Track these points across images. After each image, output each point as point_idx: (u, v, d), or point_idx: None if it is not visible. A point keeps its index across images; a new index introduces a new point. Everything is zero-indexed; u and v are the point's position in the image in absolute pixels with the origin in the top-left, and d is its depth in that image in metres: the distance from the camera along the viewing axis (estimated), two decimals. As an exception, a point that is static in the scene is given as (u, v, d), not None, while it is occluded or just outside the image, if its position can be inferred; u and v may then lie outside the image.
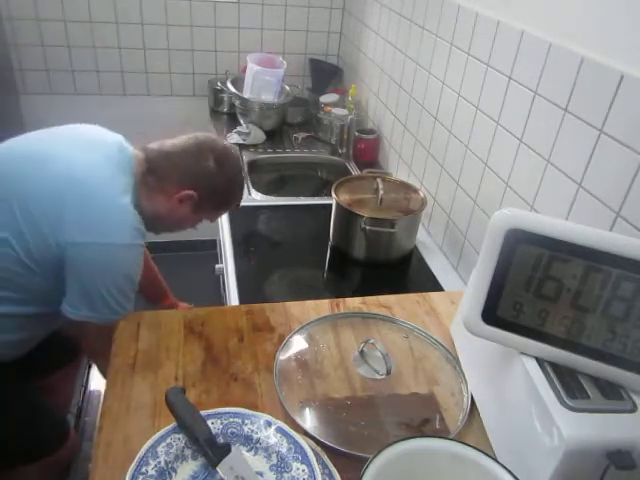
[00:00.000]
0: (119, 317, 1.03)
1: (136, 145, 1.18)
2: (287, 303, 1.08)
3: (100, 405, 0.84)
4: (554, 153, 1.02)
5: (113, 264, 1.03)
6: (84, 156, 1.07)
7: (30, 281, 1.04)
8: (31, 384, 1.29)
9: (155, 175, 1.12)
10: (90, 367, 1.95)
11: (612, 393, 0.68)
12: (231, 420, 0.75)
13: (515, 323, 0.73)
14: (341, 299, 1.10)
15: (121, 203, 1.04)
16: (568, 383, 0.69)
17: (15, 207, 1.00)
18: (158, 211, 1.13)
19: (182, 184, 1.12)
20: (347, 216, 1.39)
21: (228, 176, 1.17)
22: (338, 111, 2.09)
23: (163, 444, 0.71)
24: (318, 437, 0.77)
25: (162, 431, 0.72)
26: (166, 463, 0.69)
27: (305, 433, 0.78)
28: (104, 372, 0.95)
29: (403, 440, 0.66)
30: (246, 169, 1.91)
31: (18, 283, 1.04)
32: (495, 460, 0.65)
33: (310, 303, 1.08)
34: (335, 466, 0.73)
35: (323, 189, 1.99)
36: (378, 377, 0.90)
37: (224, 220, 1.54)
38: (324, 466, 0.72)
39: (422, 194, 1.46)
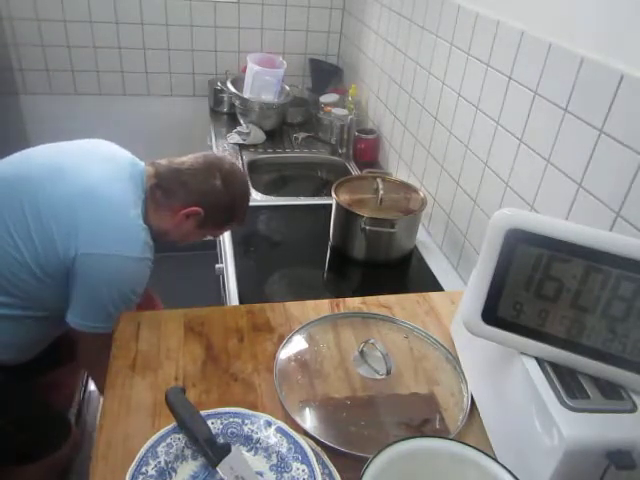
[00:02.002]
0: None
1: (146, 161, 1.21)
2: (287, 303, 1.08)
3: (100, 405, 0.84)
4: (554, 153, 1.02)
5: (122, 276, 1.05)
6: (99, 169, 1.10)
7: (36, 289, 1.05)
8: (33, 382, 1.29)
9: (163, 190, 1.14)
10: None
11: (612, 393, 0.68)
12: (231, 420, 0.75)
13: (515, 323, 0.73)
14: (341, 299, 1.10)
15: (134, 217, 1.07)
16: (568, 383, 0.69)
17: (28, 214, 1.02)
18: (164, 225, 1.16)
19: (189, 200, 1.14)
20: (347, 216, 1.39)
21: (233, 195, 1.19)
22: (338, 111, 2.09)
23: (163, 444, 0.71)
24: (318, 437, 0.77)
25: (162, 431, 0.72)
26: (166, 463, 0.69)
27: (305, 433, 0.78)
28: (101, 386, 0.95)
29: (403, 440, 0.66)
30: (246, 169, 1.91)
31: (25, 290, 1.05)
32: (495, 460, 0.65)
33: (310, 303, 1.08)
34: (335, 466, 0.73)
35: (323, 189, 1.99)
36: (378, 377, 0.90)
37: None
38: (324, 466, 0.72)
39: (422, 194, 1.46)
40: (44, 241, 1.01)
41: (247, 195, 1.25)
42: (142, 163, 1.20)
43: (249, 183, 1.27)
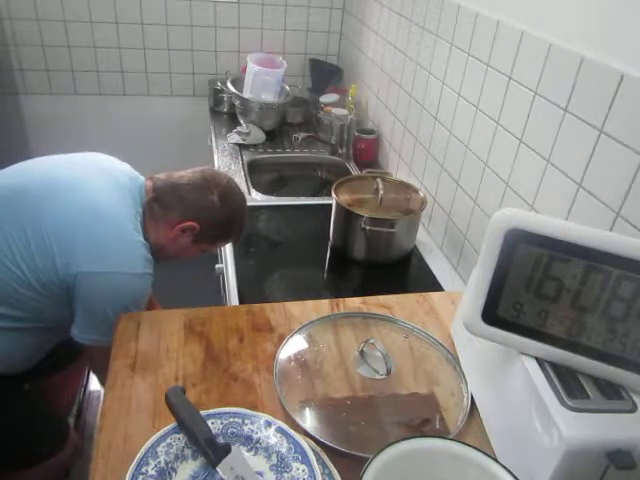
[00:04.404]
0: None
1: (145, 163, 1.22)
2: (287, 303, 1.08)
3: (100, 405, 0.84)
4: (554, 153, 1.02)
5: (124, 292, 1.06)
6: (99, 185, 1.10)
7: (37, 302, 1.05)
8: (31, 386, 1.28)
9: (160, 204, 1.15)
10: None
11: (612, 393, 0.68)
12: (231, 420, 0.75)
13: (515, 323, 0.73)
14: (341, 299, 1.10)
15: (133, 234, 1.07)
16: (568, 383, 0.69)
17: (28, 230, 1.02)
18: (160, 240, 1.16)
19: (185, 215, 1.14)
20: (347, 216, 1.39)
21: (230, 211, 1.19)
22: (338, 111, 2.09)
23: (163, 444, 0.71)
24: (318, 437, 0.77)
25: (162, 431, 0.72)
26: (166, 463, 0.69)
27: (305, 433, 0.78)
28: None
29: (403, 440, 0.66)
30: (246, 169, 1.91)
31: (25, 303, 1.05)
32: (495, 460, 0.65)
33: (310, 303, 1.08)
34: (335, 466, 0.73)
35: (323, 189, 1.99)
36: (378, 377, 0.90)
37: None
38: (324, 466, 0.72)
39: (422, 194, 1.46)
40: (44, 258, 1.01)
41: (244, 212, 1.24)
42: (142, 177, 1.20)
43: (246, 200, 1.25)
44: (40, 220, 1.02)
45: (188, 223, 1.14)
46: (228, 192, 1.19)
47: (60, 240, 1.01)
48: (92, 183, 1.10)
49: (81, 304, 1.05)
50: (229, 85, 2.16)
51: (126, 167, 1.21)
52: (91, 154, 1.21)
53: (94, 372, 1.42)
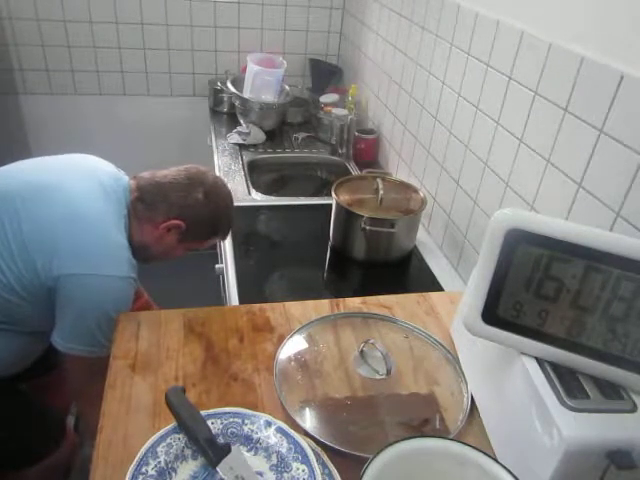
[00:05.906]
0: (104, 351, 1.03)
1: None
2: (287, 303, 1.08)
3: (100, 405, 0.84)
4: (554, 153, 1.02)
5: (105, 295, 1.04)
6: (82, 188, 1.09)
7: (20, 307, 1.04)
8: (27, 385, 1.28)
9: (144, 203, 1.14)
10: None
11: (612, 393, 0.68)
12: (231, 420, 0.75)
13: (515, 323, 0.73)
14: (341, 299, 1.10)
15: (116, 236, 1.06)
16: (568, 383, 0.69)
17: (9, 234, 1.01)
18: (145, 239, 1.15)
19: (170, 214, 1.14)
20: (347, 216, 1.39)
21: (215, 209, 1.18)
22: (338, 111, 2.09)
23: (163, 444, 0.71)
24: (318, 437, 0.77)
25: (162, 431, 0.72)
26: (166, 463, 0.69)
27: (305, 433, 0.78)
28: (90, 421, 0.88)
29: (403, 440, 0.66)
30: (246, 169, 1.91)
31: (9, 308, 1.04)
32: (495, 460, 0.65)
33: (310, 303, 1.08)
34: (335, 466, 0.73)
35: (323, 189, 1.99)
36: (378, 377, 0.90)
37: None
38: (324, 466, 0.72)
39: (422, 194, 1.46)
40: (26, 262, 1.00)
41: (230, 209, 1.23)
42: (125, 177, 1.19)
43: (232, 197, 1.24)
44: (22, 223, 1.01)
45: (173, 222, 1.13)
46: (214, 189, 1.18)
47: (42, 243, 1.00)
48: (75, 185, 1.09)
49: (62, 307, 1.04)
50: (229, 85, 2.15)
51: (111, 168, 1.20)
52: (76, 155, 1.20)
53: (74, 398, 1.35)
